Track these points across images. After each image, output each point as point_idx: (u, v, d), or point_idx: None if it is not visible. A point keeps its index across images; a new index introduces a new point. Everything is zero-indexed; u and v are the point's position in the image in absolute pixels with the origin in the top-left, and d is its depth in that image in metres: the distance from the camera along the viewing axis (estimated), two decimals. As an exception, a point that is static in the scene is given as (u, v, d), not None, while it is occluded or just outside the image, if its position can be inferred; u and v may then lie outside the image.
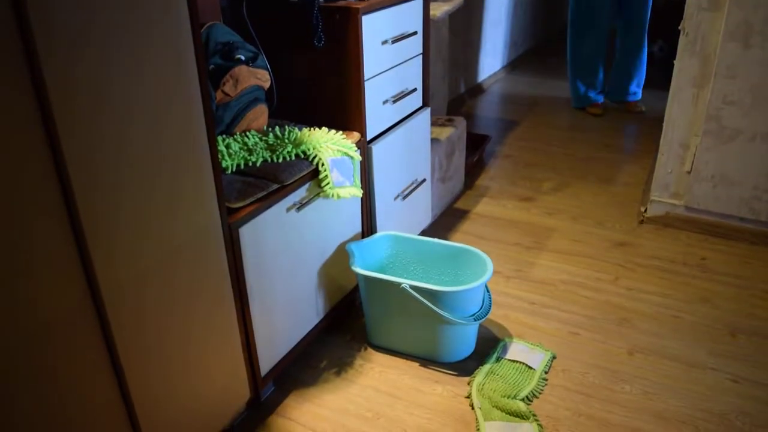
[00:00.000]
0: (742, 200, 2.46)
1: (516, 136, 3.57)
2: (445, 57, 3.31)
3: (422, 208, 2.35)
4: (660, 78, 4.10)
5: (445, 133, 2.56)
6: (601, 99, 3.95)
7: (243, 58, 1.79)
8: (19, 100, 0.94)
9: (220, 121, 1.77)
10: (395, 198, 2.12)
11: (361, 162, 1.86)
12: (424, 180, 2.30)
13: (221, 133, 1.78)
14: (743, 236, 2.50)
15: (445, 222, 2.65)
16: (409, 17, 2.03)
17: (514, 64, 4.90)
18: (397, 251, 2.01)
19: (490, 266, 1.80)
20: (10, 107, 0.93)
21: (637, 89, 3.91)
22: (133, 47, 1.09)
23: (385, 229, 2.09)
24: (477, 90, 4.34)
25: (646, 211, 2.64)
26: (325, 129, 1.82)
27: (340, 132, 1.84)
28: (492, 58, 4.54)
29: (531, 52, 5.26)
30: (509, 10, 4.65)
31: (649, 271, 2.31)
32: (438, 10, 2.41)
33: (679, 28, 2.38)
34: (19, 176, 0.96)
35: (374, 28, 1.85)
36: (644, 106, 3.91)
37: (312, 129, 1.83)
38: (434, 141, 2.42)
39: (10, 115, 0.93)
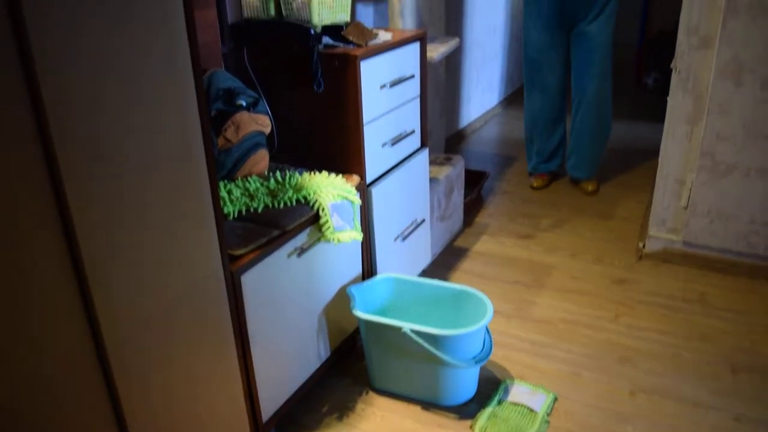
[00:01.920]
0: (739, 234, 2.48)
1: (513, 172, 3.60)
2: (443, 95, 3.36)
3: (422, 248, 2.36)
4: (654, 109, 4.10)
5: (443, 171, 2.59)
6: (548, 169, 3.40)
7: (244, 104, 1.82)
8: (23, 141, 0.96)
9: (222, 166, 1.79)
10: (395, 239, 2.14)
11: (360, 205, 1.88)
12: (423, 220, 2.32)
13: (223, 178, 1.80)
14: (742, 270, 2.51)
15: (444, 261, 2.66)
16: (406, 61, 2.07)
17: (509, 99, 4.96)
18: (397, 293, 2.02)
19: (490, 308, 1.81)
20: (16, 152, 0.95)
21: (580, 172, 3.31)
22: (136, 94, 1.12)
23: (385, 270, 2.10)
24: (474, 126, 4.38)
25: (644, 246, 2.66)
26: (325, 173, 1.85)
27: (340, 175, 1.86)
28: (489, 93, 4.59)
29: (526, 87, 5.31)
30: (504, 46, 4.72)
31: (649, 308, 2.31)
32: (435, 52, 2.45)
33: (671, 66, 2.42)
34: (24, 223, 0.97)
35: (373, 73, 1.89)
36: (595, 185, 3.30)
37: (312, 173, 1.85)
38: (433, 180, 2.45)
39: (16, 162, 0.95)
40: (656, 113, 3.23)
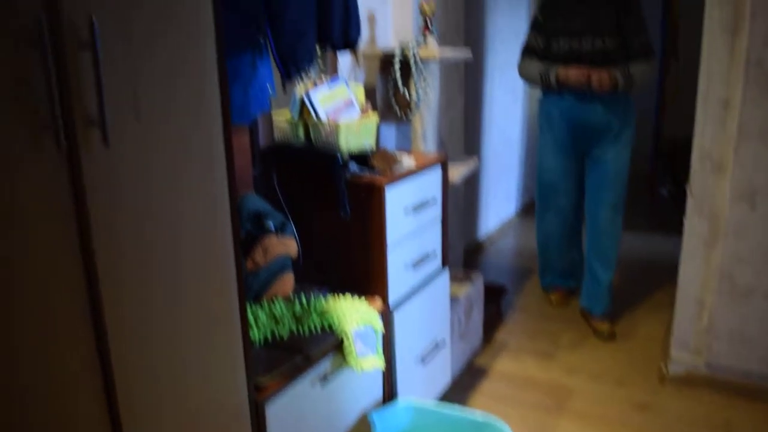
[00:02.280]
0: (761, 358, 2.45)
1: (532, 285, 3.61)
2: (461, 208, 3.44)
3: (442, 369, 2.35)
4: (671, 222, 3.99)
5: (463, 290, 2.61)
6: (565, 284, 3.37)
7: (272, 227, 1.89)
8: (70, 268, 1.01)
9: (249, 288, 1.83)
10: (415, 361, 2.14)
11: (383, 332, 1.90)
12: (443, 341, 2.32)
13: (248, 301, 1.84)
14: (767, 396, 2.46)
15: (464, 382, 2.63)
16: (429, 185, 2.14)
17: (526, 210, 5.04)
18: (417, 419, 1.99)
19: (512, 438, 1.79)
20: (60, 267, 0.99)
21: (592, 304, 3.09)
22: (175, 217, 1.17)
23: (405, 393, 2.09)
24: (492, 237, 4.44)
25: (667, 369, 2.62)
26: (349, 296, 1.88)
27: (363, 298, 1.89)
28: (506, 203, 4.68)
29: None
30: (521, 157, 4.85)
31: (673, 437, 2.26)
32: (456, 175, 2.53)
33: (686, 189, 2.48)
34: (67, 363, 1.01)
35: (397, 199, 1.96)
36: (609, 327, 3.01)
37: (336, 296, 1.89)
38: (453, 300, 2.47)
39: (61, 288, 0.99)
40: (672, 225, 3.25)
